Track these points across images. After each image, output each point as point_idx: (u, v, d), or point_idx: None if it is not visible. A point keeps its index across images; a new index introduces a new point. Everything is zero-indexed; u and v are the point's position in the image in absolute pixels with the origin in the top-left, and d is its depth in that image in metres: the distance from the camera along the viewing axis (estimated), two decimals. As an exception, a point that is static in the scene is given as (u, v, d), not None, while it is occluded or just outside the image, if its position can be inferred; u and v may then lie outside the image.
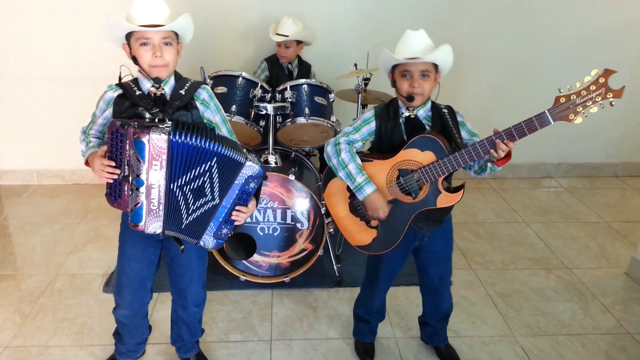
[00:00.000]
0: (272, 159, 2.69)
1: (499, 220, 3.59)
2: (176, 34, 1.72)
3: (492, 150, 1.70)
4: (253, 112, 2.73)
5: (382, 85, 3.49)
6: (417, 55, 1.77)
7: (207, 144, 1.59)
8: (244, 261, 2.70)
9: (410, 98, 1.81)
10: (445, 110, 1.88)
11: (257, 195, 1.74)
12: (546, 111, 1.64)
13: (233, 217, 1.70)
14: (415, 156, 1.81)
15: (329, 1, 3.71)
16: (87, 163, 1.73)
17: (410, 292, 2.69)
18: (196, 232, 1.72)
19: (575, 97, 1.61)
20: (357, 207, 1.98)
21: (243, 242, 2.68)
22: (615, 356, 2.31)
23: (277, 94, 2.82)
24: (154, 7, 1.66)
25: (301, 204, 2.61)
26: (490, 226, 3.49)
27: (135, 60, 1.70)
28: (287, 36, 3.31)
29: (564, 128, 4.27)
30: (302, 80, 2.81)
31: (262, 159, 2.70)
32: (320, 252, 2.66)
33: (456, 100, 4.01)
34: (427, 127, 1.85)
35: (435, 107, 1.88)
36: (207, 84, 1.84)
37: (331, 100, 2.89)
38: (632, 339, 2.42)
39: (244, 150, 1.69)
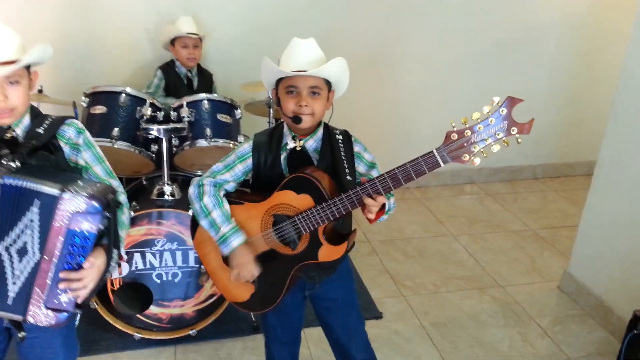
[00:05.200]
0: (168, 190, 2.25)
1: (426, 234, 3.37)
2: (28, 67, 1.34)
3: (369, 199, 1.37)
4: (141, 136, 2.27)
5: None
6: (304, 68, 1.44)
7: (15, 180, 1.22)
8: (138, 315, 2.24)
9: (296, 119, 1.47)
10: (340, 137, 1.55)
11: (115, 245, 1.32)
12: (434, 151, 1.31)
13: (61, 287, 1.25)
14: (291, 200, 1.46)
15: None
16: None
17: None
18: (21, 304, 1.28)
19: (470, 134, 1.27)
20: (229, 260, 1.57)
21: (135, 293, 2.22)
22: (559, 389, 2.14)
23: (172, 112, 2.39)
24: None
25: (206, 242, 2.21)
26: (418, 242, 3.26)
27: None
28: (197, 35, 2.90)
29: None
30: (202, 96, 2.39)
31: (156, 191, 2.26)
32: (231, 297, 2.27)
33: (377, 105, 3.93)
34: (315, 162, 1.53)
35: (328, 135, 1.55)
36: (75, 119, 1.46)
37: (237, 117, 2.49)
38: (574, 366, 2.27)
39: (80, 183, 1.27)
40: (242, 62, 3.35)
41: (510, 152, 4.05)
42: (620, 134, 2.43)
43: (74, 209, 1.22)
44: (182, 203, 2.22)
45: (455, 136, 1.28)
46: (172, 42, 2.96)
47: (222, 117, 2.42)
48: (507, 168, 4.25)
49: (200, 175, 2.42)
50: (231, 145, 2.38)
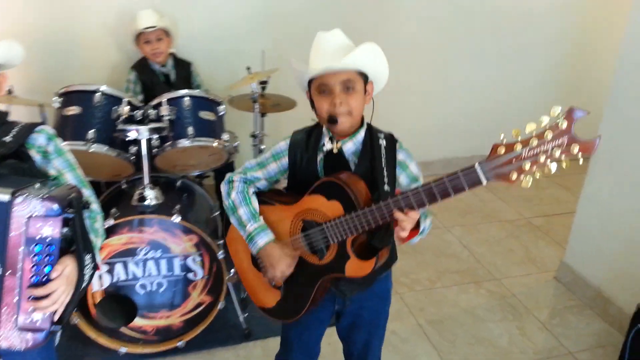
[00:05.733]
0: (150, 194, 2.13)
1: (418, 227, 3.29)
2: None
3: (398, 212, 1.20)
4: (119, 137, 2.13)
5: (283, 87, 3.04)
6: (330, 63, 1.32)
7: None
8: (122, 329, 2.13)
9: (332, 120, 1.34)
10: (383, 142, 1.40)
11: (86, 249, 1.19)
12: (477, 166, 1.10)
13: (28, 306, 1.12)
14: (321, 205, 1.35)
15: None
16: None
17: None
18: None
19: (520, 148, 1.06)
20: (259, 260, 1.50)
21: (118, 305, 2.11)
22: (562, 386, 2.09)
23: (151, 111, 2.25)
24: None
25: (192, 248, 2.09)
26: (410, 236, 3.18)
27: None
28: (155, 27, 2.74)
29: (472, 122, 4.22)
30: (183, 92, 2.25)
31: (137, 195, 2.13)
32: (220, 304, 2.16)
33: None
34: (352, 166, 1.40)
35: (370, 137, 1.40)
36: (44, 124, 1.34)
37: (221, 113, 2.36)
38: (575, 361, 2.22)
39: (36, 185, 1.14)
40: (222, 53, 3.22)
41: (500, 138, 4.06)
42: (617, 121, 2.35)
43: (30, 213, 1.09)
44: (165, 208, 2.10)
45: (502, 150, 1.07)
46: (137, 40, 2.81)
47: (205, 114, 2.29)
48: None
49: (189, 183, 2.31)
50: (215, 144, 2.26)
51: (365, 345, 1.61)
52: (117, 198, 2.27)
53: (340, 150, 1.40)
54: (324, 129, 1.43)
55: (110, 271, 2.06)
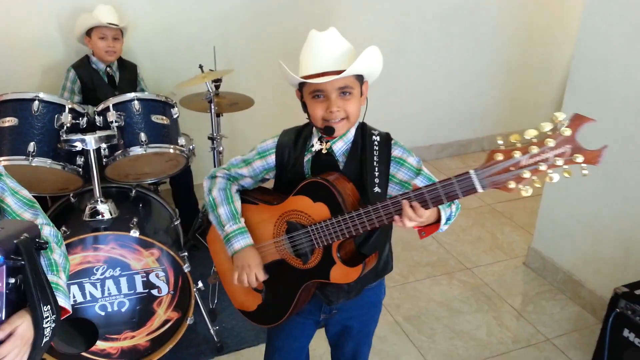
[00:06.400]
0: (102, 208, 1.95)
1: (385, 221, 3.24)
2: None
3: (396, 216, 1.13)
4: (63, 148, 1.94)
5: (238, 85, 2.90)
6: (330, 69, 1.21)
7: None
8: (83, 353, 1.95)
9: (328, 130, 1.25)
10: (377, 139, 1.30)
11: (43, 299, 1.01)
12: (471, 172, 1.03)
13: None
14: (306, 207, 1.26)
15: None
16: None
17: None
18: None
19: (520, 155, 0.98)
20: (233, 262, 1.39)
21: (78, 329, 1.93)
22: (544, 374, 2.08)
23: (96, 117, 2.06)
24: None
25: (154, 263, 1.94)
26: (378, 230, 3.13)
27: None
28: (118, 25, 2.55)
29: (429, 110, 4.19)
30: (131, 95, 2.08)
31: (88, 210, 1.95)
32: (189, 320, 2.02)
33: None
34: (341, 166, 1.31)
35: (362, 136, 1.31)
36: None
37: (175, 116, 2.20)
38: (553, 347, 2.21)
39: None
40: (168, 53, 3.03)
41: (458, 126, 4.04)
42: (577, 106, 2.36)
43: None
44: (121, 222, 1.93)
45: (500, 157, 0.99)
46: (89, 33, 2.59)
47: (157, 119, 2.13)
48: (455, 143, 4.19)
49: (144, 192, 2.14)
50: (171, 150, 2.10)
51: (354, 354, 1.55)
52: (66, 214, 2.08)
53: (329, 150, 1.31)
54: (314, 129, 1.33)
55: (64, 295, 1.88)
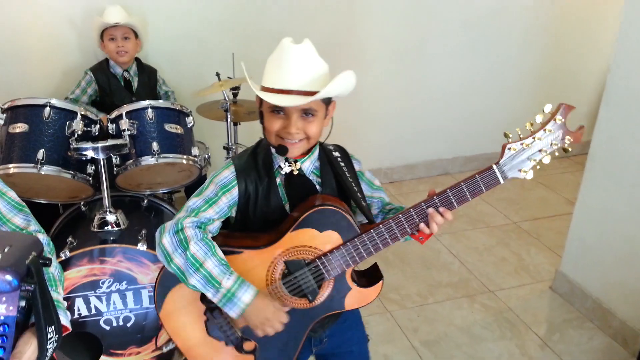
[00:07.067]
0: (111, 219, 1.90)
1: (405, 236, 3.13)
2: None
3: (422, 224, 1.18)
4: (73, 156, 1.89)
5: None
6: (296, 88, 1.11)
7: None
8: (87, 369, 1.90)
9: (281, 150, 1.17)
10: (337, 155, 1.28)
11: (48, 320, 0.96)
12: (494, 167, 1.19)
13: None
14: (310, 240, 1.17)
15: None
16: None
17: None
18: None
19: (530, 144, 1.18)
20: (220, 326, 1.24)
21: (82, 343, 1.88)
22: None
23: (109, 125, 2.02)
24: None
25: (161, 278, 1.87)
26: (397, 246, 3.00)
27: None
28: (121, 23, 2.52)
29: (453, 122, 4.06)
30: (144, 103, 2.02)
31: (97, 220, 1.90)
32: (196, 338, 1.95)
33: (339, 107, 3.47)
34: (318, 188, 1.23)
35: (324, 153, 1.27)
36: None
37: (189, 125, 2.14)
38: (580, 381, 2.07)
39: None
40: (189, 57, 2.99)
41: (484, 138, 3.90)
42: (613, 121, 2.21)
43: None
44: (130, 234, 1.88)
45: (515, 147, 1.17)
46: (102, 37, 2.56)
47: (171, 127, 2.07)
48: (480, 156, 4.04)
49: (156, 202, 2.07)
50: (184, 160, 2.04)
51: None
52: (76, 223, 2.03)
53: (300, 171, 1.22)
54: (273, 150, 1.24)
55: (70, 307, 1.83)
